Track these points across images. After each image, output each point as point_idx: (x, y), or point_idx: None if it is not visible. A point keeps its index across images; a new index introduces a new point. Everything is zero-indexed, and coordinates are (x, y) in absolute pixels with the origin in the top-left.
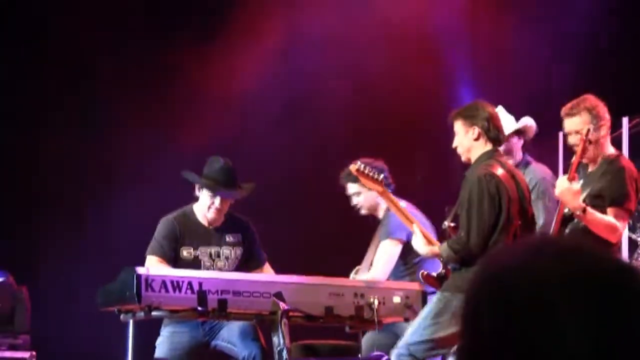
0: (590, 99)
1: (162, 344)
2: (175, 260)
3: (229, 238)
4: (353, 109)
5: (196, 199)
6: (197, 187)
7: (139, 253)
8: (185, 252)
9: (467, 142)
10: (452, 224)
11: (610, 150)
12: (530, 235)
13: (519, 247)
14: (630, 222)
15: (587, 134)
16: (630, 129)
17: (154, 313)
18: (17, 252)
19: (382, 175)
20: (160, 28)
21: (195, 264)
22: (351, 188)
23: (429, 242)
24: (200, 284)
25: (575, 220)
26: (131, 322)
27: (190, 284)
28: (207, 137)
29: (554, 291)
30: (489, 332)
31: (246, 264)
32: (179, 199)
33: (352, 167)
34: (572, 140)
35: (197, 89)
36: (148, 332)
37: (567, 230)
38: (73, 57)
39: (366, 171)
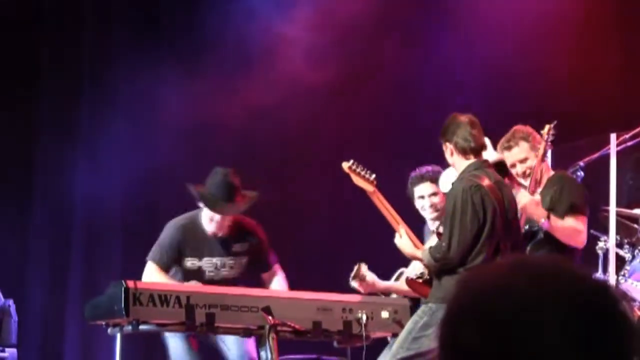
0: (522, 129)
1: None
2: (169, 269)
3: (234, 248)
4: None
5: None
6: None
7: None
8: (189, 263)
9: (449, 159)
10: (440, 230)
11: (551, 172)
12: (511, 255)
13: (497, 267)
14: (618, 237)
15: (548, 133)
16: (617, 145)
17: (141, 327)
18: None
19: (373, 176)
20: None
21: (199, 274)
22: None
23: (415, 246)
24: (188, 298)
25: (538, 237)
26: (118, 335)
27: (178, 298)
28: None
29: (532, 313)
30: (469, 355)
31: (253, 268)
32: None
33: (344, 165)
34: (519, 169)
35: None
36: (135, 345)
37: (529, 247)
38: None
39: (358, 169)
